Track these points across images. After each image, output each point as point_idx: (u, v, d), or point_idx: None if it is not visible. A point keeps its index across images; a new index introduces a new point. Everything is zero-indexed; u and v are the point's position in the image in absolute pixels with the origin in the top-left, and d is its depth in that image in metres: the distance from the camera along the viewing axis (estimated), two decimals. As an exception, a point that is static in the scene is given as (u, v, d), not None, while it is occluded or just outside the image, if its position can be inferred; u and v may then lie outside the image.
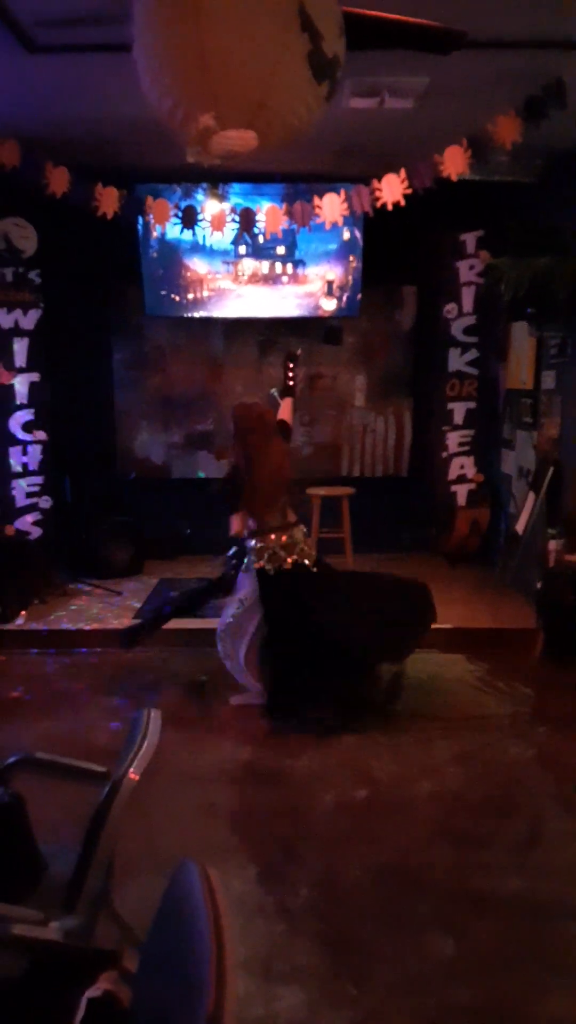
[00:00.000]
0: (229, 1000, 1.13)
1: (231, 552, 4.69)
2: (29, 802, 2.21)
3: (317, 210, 5.05)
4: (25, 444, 6.21)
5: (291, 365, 4.96)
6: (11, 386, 6.04)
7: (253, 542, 4.47)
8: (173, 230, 5.80)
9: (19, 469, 6.19)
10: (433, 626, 5.60)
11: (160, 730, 2.18)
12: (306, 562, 4.48)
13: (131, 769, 2.02)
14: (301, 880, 3.10)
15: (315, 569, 4.50)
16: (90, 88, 4.47)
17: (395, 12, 2.77)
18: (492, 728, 4.40)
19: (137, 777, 2.01)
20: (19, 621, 5.74)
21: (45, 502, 6.36)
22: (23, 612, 5.86)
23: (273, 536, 4.46)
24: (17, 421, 6.14)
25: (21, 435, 6.17)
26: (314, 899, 2.99)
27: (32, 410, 6.20)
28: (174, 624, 5.66)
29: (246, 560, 4.52)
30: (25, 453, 6.21)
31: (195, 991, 1.21)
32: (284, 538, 4.47)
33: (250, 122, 2.10)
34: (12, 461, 6.17)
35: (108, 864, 2.03)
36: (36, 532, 6.30)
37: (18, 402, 6.18)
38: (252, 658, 4.52)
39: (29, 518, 6.25)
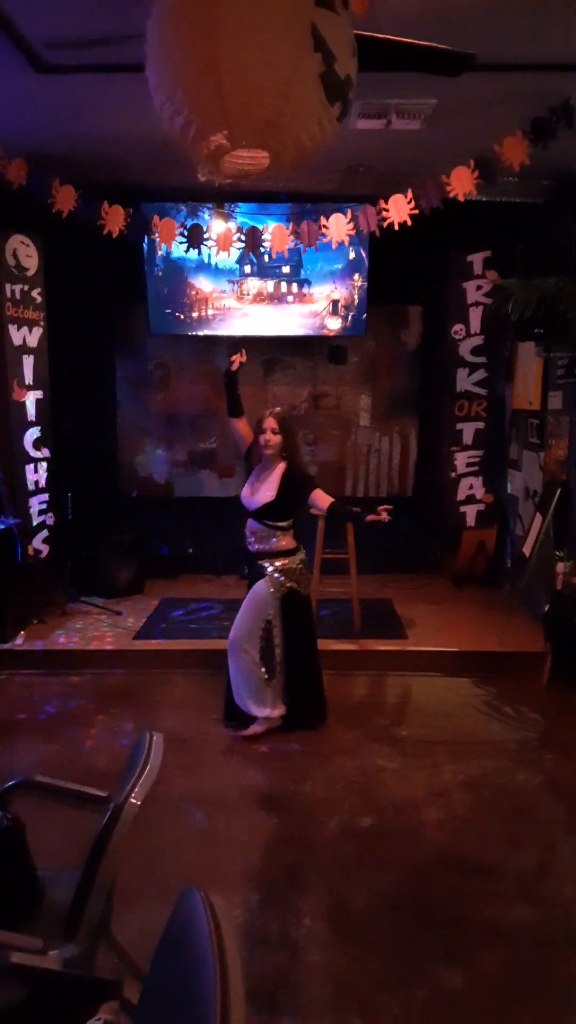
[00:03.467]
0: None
1: (245, 571, 4.61)
2: (28, 826, 2.16)
3: (323, 230, 5.06)
4: (36, 461, 6.17)
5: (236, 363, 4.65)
6: (23, 403, 6.01)
7: (280, 562, 4.37)
8: (178, 249, 5.80)
9: (32, 487, 6.14)
10: (439, 649, 5.58)
11: (162, 754, 2.13)
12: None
13: (133, 794, 1.97)
14: (306, 908, 3.04)
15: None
16: (97, 107, 4.49)
17: (404, 35, 2.77)
18: (500, 753, 4.34)
19: (139, 802, 1.96)
20: (18, 641, 5.69)
21: (50, 520, 6.31)
22: (22, 632, 5.81)
23: (299, 555, 4.45)
24: (29, 438, 6.10)
25: (33, 452, 6.13)
26: (319, 928, 2.93)
27: (39, 427, 6.17)
28: (175, 645, 5.63)
29: (271, 579, 4.36)
30: (36, 471, 6.17)
31: (199, 1023, 1.17)
32: (300, 555, 4.46)
33: (263, 141, 2.09)
34: (28, 479, 6.12)
35: (109, 891, 1.98)
36: (44, 550, 6.25)
37: (28, 419, 6.16)
38: (277, 680, 4.41)
39: (40, 536, 6.19)
